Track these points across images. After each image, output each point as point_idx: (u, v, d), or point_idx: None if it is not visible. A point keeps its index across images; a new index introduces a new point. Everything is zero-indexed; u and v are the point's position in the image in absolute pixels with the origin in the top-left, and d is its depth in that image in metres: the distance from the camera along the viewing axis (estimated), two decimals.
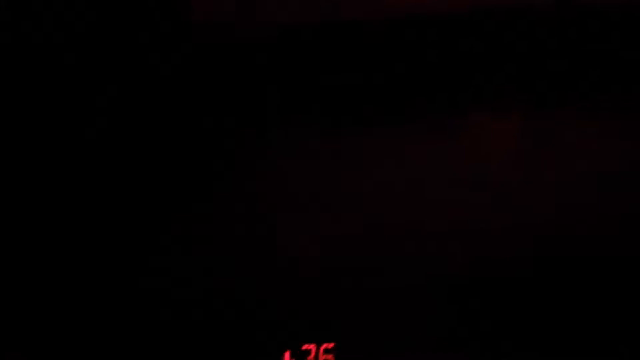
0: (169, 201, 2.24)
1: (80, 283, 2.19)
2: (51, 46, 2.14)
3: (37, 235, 2.20)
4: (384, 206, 2.25)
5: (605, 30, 2.24)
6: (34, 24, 2.05)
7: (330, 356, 2.16)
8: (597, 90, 2.25)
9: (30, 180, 2.21)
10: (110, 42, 2.15)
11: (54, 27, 2.08)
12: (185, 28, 2.14)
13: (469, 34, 2.28)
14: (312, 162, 2.31)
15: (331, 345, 2.17)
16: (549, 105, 2.28)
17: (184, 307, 2.20)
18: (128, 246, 2.19)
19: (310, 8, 2.22)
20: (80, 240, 2.22)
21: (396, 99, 2.31)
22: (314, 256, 2.23)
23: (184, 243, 2.25)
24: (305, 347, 2.17)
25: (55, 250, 2.21)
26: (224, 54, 2.26)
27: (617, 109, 2.24)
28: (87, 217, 2.23)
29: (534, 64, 2.28)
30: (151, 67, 2.21)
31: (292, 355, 2.17)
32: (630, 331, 2.00)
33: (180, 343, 2.18)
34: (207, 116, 2.27)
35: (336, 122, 2.32)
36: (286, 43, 2.27)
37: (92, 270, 2.21)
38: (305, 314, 2.19)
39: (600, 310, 2.03)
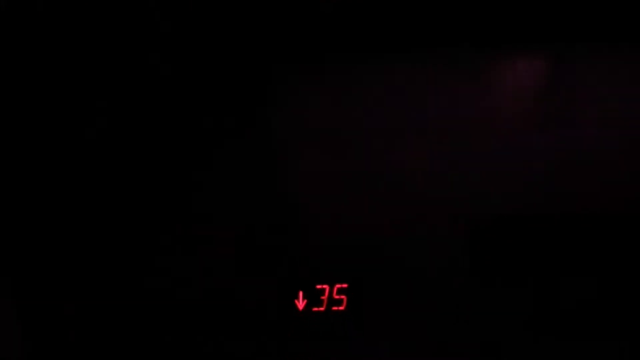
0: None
1: (82, 283, 2.15)
2: (51, 46, 1.96)
3: (39, 235, 2.13)
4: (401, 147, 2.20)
5: None
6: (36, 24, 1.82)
7: (343, 296, 2.23)
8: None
9: (31, 180, 2.07)
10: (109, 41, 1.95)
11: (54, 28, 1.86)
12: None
13: None
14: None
15: (345, 285, 2.23)
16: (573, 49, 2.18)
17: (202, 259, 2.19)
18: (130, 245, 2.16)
19: None
20: (81, 241, 2.15)
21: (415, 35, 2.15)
22: (327, 202, 2.21)
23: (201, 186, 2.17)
24: (319, 287, 2.23)
25: (56, 250, 2.14)
26: None
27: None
28: (88, 218, 2.15)
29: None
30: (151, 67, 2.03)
31: (306, 295, 2.23)
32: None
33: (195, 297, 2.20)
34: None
35: (360, 59, 2.16)
36: None
37: (93, 270, 2.16)
38: (320, 256, 2.21)
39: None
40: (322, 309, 2.23)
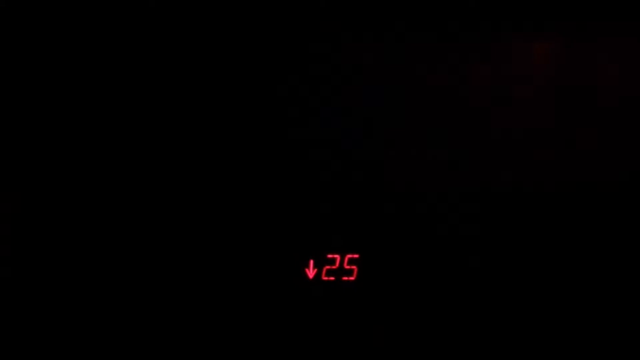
0: None
1: (83, 283, 2.15)
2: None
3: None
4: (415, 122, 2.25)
5: None
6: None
7: (354, 267, 2.22)
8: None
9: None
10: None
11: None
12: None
13: None
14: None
15: (356, 256, 2.22)
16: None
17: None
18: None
19: None
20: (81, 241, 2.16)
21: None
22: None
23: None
24: (330, 256, 2.22)
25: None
26: None
27: None
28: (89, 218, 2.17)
29: None
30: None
31: (316, 264, 2.21)
32: None
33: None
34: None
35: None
36: None
37: (95, 270, 2.16)
38: (331, 227, 2.21)
39: None
40: (332, 278, 2.21)
